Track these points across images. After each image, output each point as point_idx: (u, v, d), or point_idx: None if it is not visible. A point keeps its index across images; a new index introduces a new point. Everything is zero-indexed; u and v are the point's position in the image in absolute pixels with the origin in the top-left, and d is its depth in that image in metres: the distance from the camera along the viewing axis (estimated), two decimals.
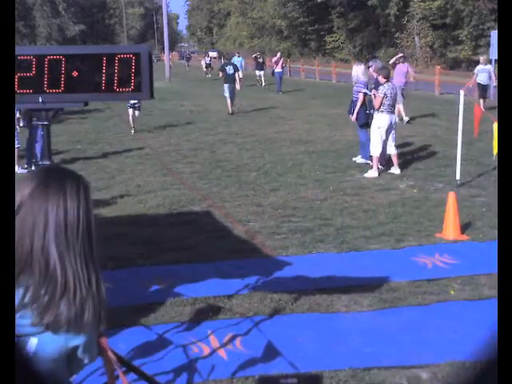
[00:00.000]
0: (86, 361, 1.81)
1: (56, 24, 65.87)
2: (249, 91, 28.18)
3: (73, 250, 1.68)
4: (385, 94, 9.89)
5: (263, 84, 30.87)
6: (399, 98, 16.11)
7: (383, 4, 44.56)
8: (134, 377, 3.14)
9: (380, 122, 9.99)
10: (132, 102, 14.92)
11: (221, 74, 19.74)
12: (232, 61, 30.31)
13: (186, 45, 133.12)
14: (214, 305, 5.16)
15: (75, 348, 1.74)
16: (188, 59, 55.49)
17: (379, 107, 9.92)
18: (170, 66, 42.67)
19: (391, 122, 10.14)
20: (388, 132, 10.12)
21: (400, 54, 18.62)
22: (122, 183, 9.82)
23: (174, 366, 4.16)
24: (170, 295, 5.32)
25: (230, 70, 19.40)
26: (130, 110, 15.34)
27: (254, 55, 33.63)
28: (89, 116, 19.19)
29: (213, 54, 54.67)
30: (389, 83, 10.10)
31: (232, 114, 19.08)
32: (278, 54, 28.31)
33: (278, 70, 27.24)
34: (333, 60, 44.00)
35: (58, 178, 1.73)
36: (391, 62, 18.04)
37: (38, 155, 9.46)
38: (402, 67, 17.18)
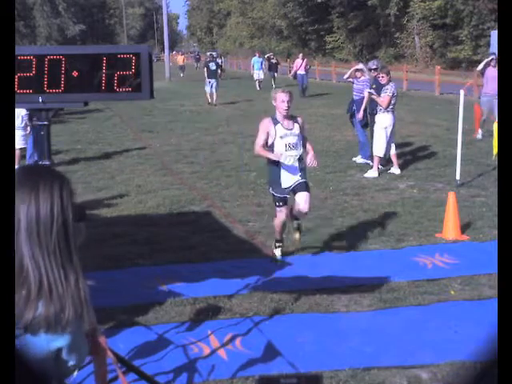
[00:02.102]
0: (72, 362, 1.76)
1: (56, 24, 65.83)
2: (250, 91, 28.17)
3: (46, 248, 1.65)
4: (393, 94, 9.94)
5: (273, 86, 29.93)
6: (494, 109, 12.70)
7: (383, 4, 44.55)
8: (134, 377, 3.15)
9: (386, 121, 10.02)
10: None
11: (206, 70, 22.66)
12: (251, 61, 30.39)
13: (194, 45, 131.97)
14: (213, 305, 5.16)
15: (60, 350, 1.71)
16: (197, 60, 55.61)
17: (387, 107, 9.95)
18: (184, 66, 42.59)
19: (394, 122, 10.18)
20: (391, 132, 10.17)
21: (491, 57, 14.12)
22: (122, 183, 9.82)
23: (174, 366, 4.16)
24: (170, 295, 5.32)
25: (212, 66, 22.50)
26: None
27: (266, 55, 32.65)
28: (88, 116, 19.19)
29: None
30: (392, 82, 10.13)
31: (210, 104, 22.08)
32: (300, 55, 26.51)
33: (301, 72, 25.16)
34: (333, 60, 43.97)
35: (32, 176, 1.70)
36: (479, 68, 14.41)
37: (28, 154, 9.42)
38: (495, 72, 13.41)
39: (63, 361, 1.75)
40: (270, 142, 5.98)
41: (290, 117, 6.03)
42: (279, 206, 6.13)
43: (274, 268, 6.05)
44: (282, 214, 6.14)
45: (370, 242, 6.79)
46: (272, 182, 6.14)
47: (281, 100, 5.88)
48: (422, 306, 5.13)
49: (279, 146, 5.94)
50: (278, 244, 6.33)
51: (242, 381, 3.99)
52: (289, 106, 5.90)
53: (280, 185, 6.03)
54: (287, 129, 5.96)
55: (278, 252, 6.33)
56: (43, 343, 1.66)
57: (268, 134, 5.98)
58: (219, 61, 37.73)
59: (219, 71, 22.47)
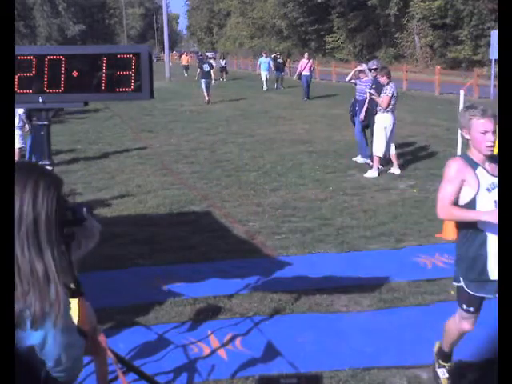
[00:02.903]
0: (49, 363, 1.72)
1: (56, 24, 65.92)
2: (251, 91, 28.16)
3: (14, 244, 1.64)
4: (392, 94, 9.95)
5: (281, 86, 29.56)
6: None
7: (383, 4, 44.55)
8: (134, 377, 3.15)
9: (386, 121, 10.03)
10: None
11: (198, 71, 24.40)
12: (258, 61, 30.71)
13: (194, 45, 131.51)
14: (214, 305, 5.16)
15: (33, 348, 1.67)
16: (200, 60, 55.70)
17: (387, 107, 9.95)
18: (188, 66, 42.57)
19: (394, 122, 10.19)
20: (391, 132, 10.17)
21: None
22: (122, 183, 9.82)
23: (174, 366, 4.15)
24: (170, 295, 5.32)
25: (206, 67, 23.37)
26: None
27: (273, 55, 32.32)
28: (88, 116, 19.19)
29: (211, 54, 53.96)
30: (392, 83, 10.12)
31: (208, 102, 22.78)
32: (306, 55, 25.44)
33: (305, 72, 24.11)
34: (333, 60, 43.97)
35: None
36: None
37: (28, 154, 9.40)
38: None
39: (41, 360, 1.71)
40: (466, 200, 3.52)
41: (493, 157, 3.47)
42: (468, 312, 3.67)
43: (274, 268, 6.05)
44: (467, 323, 3.74)
45: (370, 242, 6.79)
46: (469, 267, 3.56)
47: (482, 130, 3.41)
48: (422, 306, 5.13)
49: (486, 207, 3.42)
50: (444, 363, 3.99)
51: (242, 381, 3.99)
52: (494, 141, 3.40)
53: (484, 275, 3.50)
54: (493, 175, 3.42)
55: (443, 373, 3.96)
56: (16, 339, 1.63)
57: (464, 183, 3.51)
58: (223, 62, 37.86)
59: (212, 72, 23.75)
